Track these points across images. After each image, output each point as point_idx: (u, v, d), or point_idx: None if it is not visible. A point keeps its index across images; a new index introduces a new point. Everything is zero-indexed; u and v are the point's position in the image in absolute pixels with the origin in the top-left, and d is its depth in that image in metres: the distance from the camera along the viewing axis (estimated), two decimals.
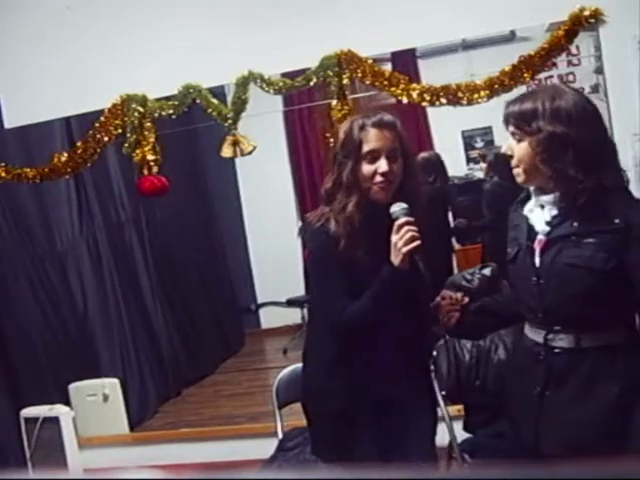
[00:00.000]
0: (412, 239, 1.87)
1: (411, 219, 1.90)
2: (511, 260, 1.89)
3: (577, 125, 1.74)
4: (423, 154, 4.46)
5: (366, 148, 1.96)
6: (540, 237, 1.82)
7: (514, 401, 1.96)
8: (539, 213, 1.83)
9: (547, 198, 1.80)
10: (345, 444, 2.09)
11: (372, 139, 1.96)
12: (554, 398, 1.81)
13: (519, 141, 1.78)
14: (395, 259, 1.90)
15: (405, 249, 1.87)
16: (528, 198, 1.88)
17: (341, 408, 2.08)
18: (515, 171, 1.82)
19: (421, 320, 2.11)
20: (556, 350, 1.79)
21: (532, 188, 1.85)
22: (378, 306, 1.95)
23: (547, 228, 1.80)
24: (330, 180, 2.03)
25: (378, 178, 1.96)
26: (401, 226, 1.89)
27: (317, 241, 2.04)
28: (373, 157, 1.96)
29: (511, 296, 2.01)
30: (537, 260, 1.80)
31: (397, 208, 1.92)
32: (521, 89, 3.03)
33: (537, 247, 1.82)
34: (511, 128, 1.79)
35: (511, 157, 1.81)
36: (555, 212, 1.79)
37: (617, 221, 1.71)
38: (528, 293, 1.83)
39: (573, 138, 1.72)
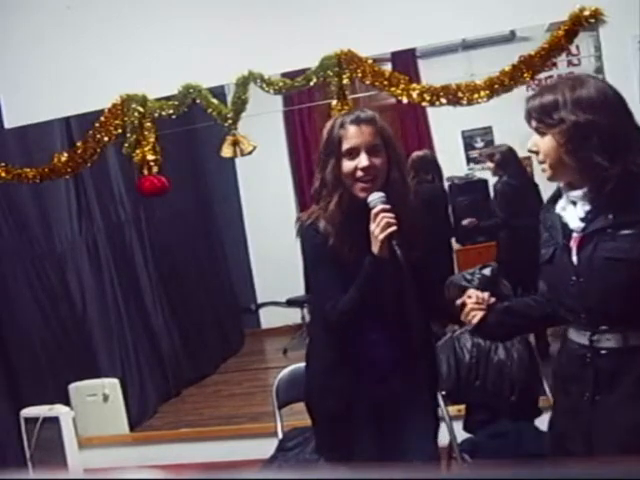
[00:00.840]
0: (388, 225, 1.89)
1: (387, 206, 1.92)
2: (548, 261, 1.82)
3: (600, 112, 1.71)
4: (417, 153, 4.46)
5: (345, 145, 1.99)
6: (575, 235, 1.76)
7: (561, 410, 1.87)
8: (572, 210, 1.77)
9: (577, 193, 1.75)
10: (347, 444, 2.10)
11: (351, 136, 1.99)
12: (606, 402, 1.73)
13: (543, 135, 1.74)
14: (374, 248, 1.92)
15: (381, 236, 1.89)
16: (559, 196, 1.84)
17: (341, 408, 2.09)
18: (542, 167, 1.77)
19: (418, 317, 2.11)
20: (603, 351, 1.72)
21: (562, 185, 1.80)
22: (364, 297, 1.97)
23: (582, 224, 1.74)
24: (317, 179, 2.07)
25: (359, 173, 1.98)
26: (377, 214, 1.91)
27: (308, 239, 2.07)
28: (353, 154, 1.99)
29: (543, 298, 1.95)
30: (574, 258, 1.75)
31: (374, 197, 1.94)
32: (521, 89, 3.04)
33: (574, 245, 1.76)
34: (534, 123, 1.75)
35: (537, 153, 1.76)
36: (588, 207, 1.74)
37: None
38: (568, 293, 1.77)
39: (597, 125, 1.69)
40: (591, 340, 1.74)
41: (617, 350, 1.71)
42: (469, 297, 1.95)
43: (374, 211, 1.91)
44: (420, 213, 2.10)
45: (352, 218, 1.98)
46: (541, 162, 1.77)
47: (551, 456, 1.92)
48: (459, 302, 1.94)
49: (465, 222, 4.56)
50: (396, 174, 2.03)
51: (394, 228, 1.88)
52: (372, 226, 1.91)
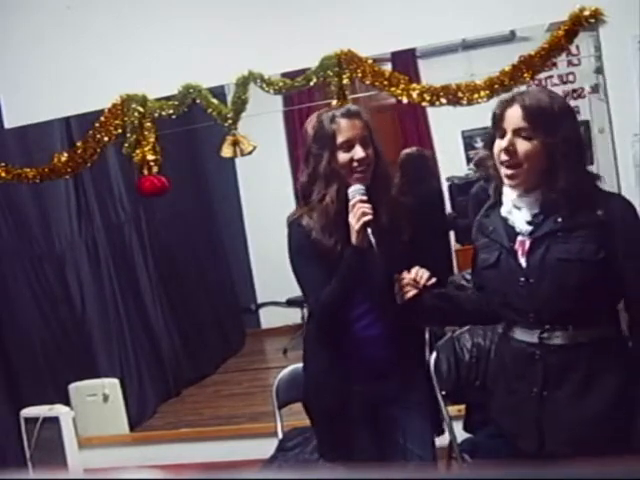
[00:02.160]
0: (362, 215, 1.93)
1: (364, 197, 1.97)
2: (492, 265, 1.88)
3: (575, 124, 1.81)
4: (405, 150, 4.44)
5: (341, 138, 2.04)
6: (521, 238, 1.83)
7: (508, 407, 1.93)
8: (518, 214, 1.84)
9: (527, 199, 1.81)
10: (345, 443, 2.10)
11: (345, 129, 2.04)
12: (554, 397, 1.80)
13: (527, 139, 1.76)
14: (353, 238, 1.97)
15: (357, 225, 1.94)
16: (497, 203, 1.90)
17: (337, 407, 2.09)
18: (510, 172, 1.79)
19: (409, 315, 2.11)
20: (552, 348, 1.79)
21: (506, 190, 1.85)
22: (345, 288, 2.01)
23: (529, 227, 1.81)
24: (305, 175, 2.12)
25: (355, 164, 2.03)
26: (354, 205, 1.96)
27: (292, 236, 2.11)
28: (348, 146, 2.04)
29: (479, 299, 2.00)
30: (522, 261, 1.81)
31: (353, 189, 2.00)
32: (521, 89, 3.04)
33: (519, 248, 1.82)
34: (522, 123, 1.76)
35: (508, 153, 1.78)
36: (536, 210, 1.81)
37: (600, 213, 1.75)
38: (516, 295, 1.83)
39: (579, 139, 1.80)
40: (540, 338, 1.80)
41: (566, 346, 1.78)
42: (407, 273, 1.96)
43: (351, 202, 1.97)
44: (405, 200, 2.14)
45: (344, 211, 2.02)
46: (512, 165, 1.78)
47: (501, 455, 1.97)
48: (395, 276, 1.96)
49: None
50: (380, 164, 2.09)
51: (369, 217, 1.93)
52: (350, 217, 1.97)
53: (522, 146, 1.77)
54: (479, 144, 4.73)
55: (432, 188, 4.43)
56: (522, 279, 1.81)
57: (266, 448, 2.85)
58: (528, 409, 1.84)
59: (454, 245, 4.65)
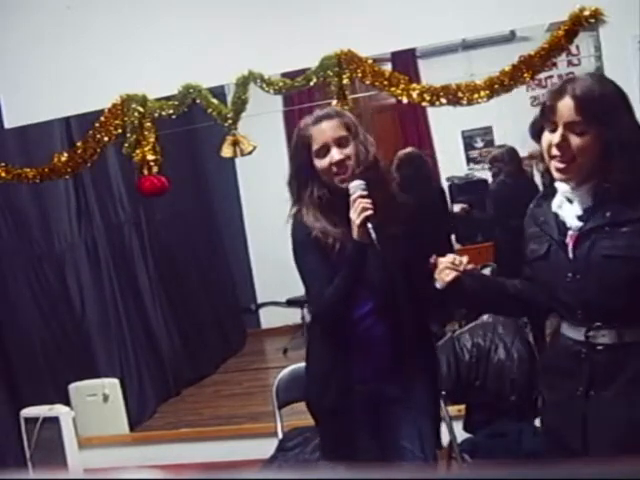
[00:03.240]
0: (363, 210, 1.94)
1: (364, 192, 1.97)
2: (542, 257, 1.81)
3: (629, 112, 1.74)
4: (402, 151, 4.44)
5: (315, 146, 2.06)
6: (571, 232, 1.76)
7: (554, 405, 1.87)
8: (569, 208, 1.77)
9: (579, 192, 1.74)
10: (347, 443, 2.10)
11: (317, 135, 2.06)
12: (600, 397, 1.74)
13: (581, 134, 1.68)
14: (353, 233, 1.97)
15: (358, 220, 1.94)
16: (550, 193, 1.83)
17: (340, 406, 2.09)
18: (562, 165, 1.71)
19: (416, 314, 2.11)
20: (599, 347, 1.73)
21: (558, 183, 1.78)
22: (349, 284, 2.02)
23: (580, 223, 1.74)
24: (289, 174, 2.15)
25: (334, 168, 2.04)
26: (354, 200, 1.97)
27: (294, 232, 2.12)
28: (324, 151, 2.05)
29: (522, 286, 1.95)
30: (571, 255, 1.75)
31: (354, 184, 2.00)
32: (521, 89, 3.04)
33: (570, 242, 1.76)
34: (575, 117, 1.68)
35: (560, 149, 1.70)
36: (588, 204, 1.74)
37: None
38: (564, 290, 1.77)
39: (634, 127, 1.72)
40: (587, 336, 1.74)
41: (612, 346, 1.72)
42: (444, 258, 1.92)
43: (352, 198, 1.98)
44: (402, 198, 2.14)
45: (334, 209, 2.04)
46: (567, 161, 1.71)
47: (547, 453, 1.93)
48: (432, 260, 1.91)
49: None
50: (369, 161, 2.08)
51: (369, 212, 1.94)
52: (351, 213, 1.97)
53: (575, 141, 1.69)
54: (479, 144, 4.73)
55: (431, 188, 4.43)
56: (569, 274, 1.74)
57: (266, 448, 2.85)
58: (574, 408, 1.78)
59: (455, 245, 4.65)
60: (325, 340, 2.13)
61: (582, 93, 1.68)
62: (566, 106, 1.68)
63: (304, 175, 2.08)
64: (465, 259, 1.91)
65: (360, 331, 2.08)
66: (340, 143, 2.05)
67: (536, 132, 1.78)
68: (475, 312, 2.66)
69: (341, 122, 2.08)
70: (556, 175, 1.74)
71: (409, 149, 4.49)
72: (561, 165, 1.71)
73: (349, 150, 2.05)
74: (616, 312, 1.72)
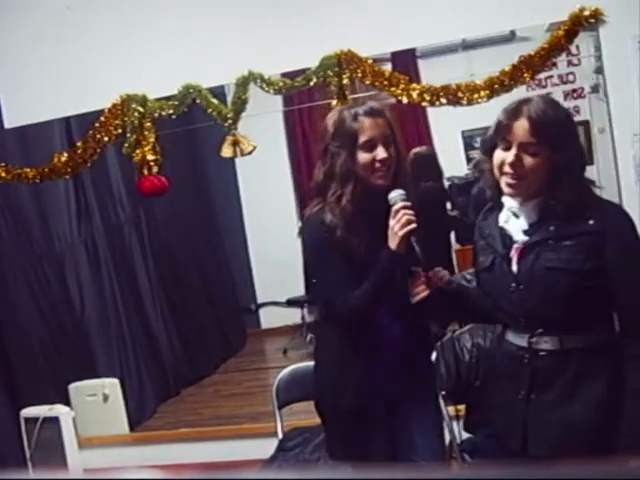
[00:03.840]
0: (408, 222, 1.91)
1: (408, 204, 1.94)
2: (487, 268, 1.90)
3: (577, 136, 1.86)
4: (416, 149, 4.44)
5: (363, 138, 1.99)
6: (517, 245, 1.84)
7: (498, 407, 1.97)
8: (515, 222, 1.85)
9: (526, 207, 1.82)
10: (360, 443, 2.09)
11: (368, 128, 1.99)
12: (540, 401, 1.83)
13: (534, 155, 1.75)
14: (392, 243, 1.93)
15: (402, 232, 1.91)
16: (494, 208, 1.91)
17: (353, 407, 2.07)
18: (513, 181, 1.78)
19: (424, 314, 2.11)
20: (541, 353, 1.81)
21: (505, 198, 1.85)
22: (378, 292, 1.97)
23: (525, 237, 1.82)
24: (321, 172, 2.05)
25: (377, 165, 1.99)
26: (398, 211, 1.93)
27: (313, 233, 2.05)
28: (370, 145, 1.99)
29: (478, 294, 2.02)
30: (515, 267, 1.83)
31: (395, 194, 1.95)
32: (521, 89, 3.04)
33: (514, 255, 1.84)
34: (530, 138, 1.74)
35: (513, 167, 1.77)
36: (534, 219, 1.82)
37: (591, 222, 1.76)
38: (507, 300, 1.85)
39: (581, 150, 1.84)
40: (530, 342, 1.83)
41: (554, 352, 1.80)
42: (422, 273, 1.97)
43: (395, 207, 1.93)
44: (434, 202, 2.14)
45: (364, 209, 1.99)
46: (518, 178, 1.77)
47: (494, 455, 1.99)
48: (413, 272, 1.96)
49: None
50: (404, 164, 2.07)
51: (414, 225, 1.91)
52: (392, 222, 1.93)
53: (528, 161, 1.76)
54: (479, 144, 4.74)
55: (436, 187, 4.43)
56: (513, 285, 1.83)
57: (266, 448, 2.85)
58: (515, 410, 1.87)
59: (454, 245, 4.66)
60: (338, 339, 2.10)
61: (537, 116, 1.75)
62: (522, 127, 1.76)
63: (343, 170, 1.99)
64: (444, 274, 1.97)
65: (374, 331, 2.06)
66: (385, 142, 2.00)
67: (488, 149, 1.85)
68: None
69: (388, 121, 2.03)
70: (506, 190, 1.81)
71: (422, 148, 4.50)
72: (512, 181, 1.79)
73: (392, 151, 2.01)
74: (557, 320, 1.80)
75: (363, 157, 1.99)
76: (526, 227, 1.83)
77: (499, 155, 1.80)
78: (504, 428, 1.93)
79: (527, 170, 1.76)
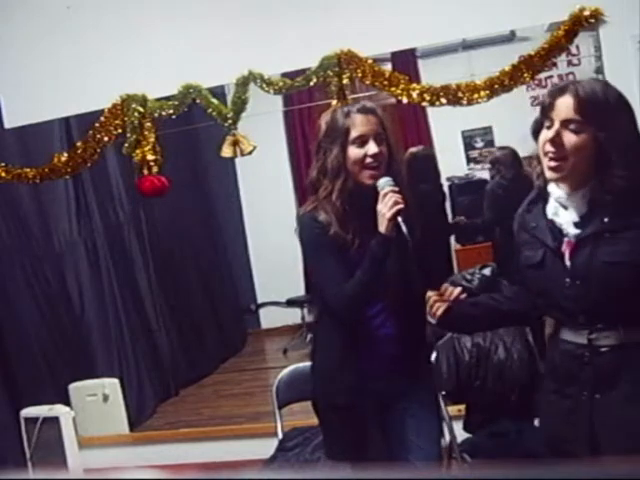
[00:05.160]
0: (395, 203, 1.93)
1: (395, 188, 1.97)
2: (537, 264, 1.80)
3: (632, 120, 1.74)
4: (413, 149, 4.44)
5: (354, 133, 2.03)
6: (567, 239, 1.75)
7: (557, 413, 1.84)
8: (564, 214, 1.76)
9: (574, 198, 1.73)
10: (354, 442, 2.09)
11: (359, 124, 2.03)
12: (606, 400, 1.73)
13: (577, 132, 1.67)
14: (381, 227, 1.96)
15: (389, 213, 1.93)
16: (539, 199, 1.82)
17: (349, 405, 2.08)
18: (554, 163, 1.70)
19: (421, 314, 2.11)
20: (602, 349, 1.72)
21: (552, 187, 1.77)
22: (371, 279, 1.99)
23: (577, 230, 1.73)
24: (314, 169, 2.09)
25: (368, 160, 2.02)
26: (385, 195, 1.96)
27: (307, 229, 2.09)
28: (361, 141, 2.03)
29: (515, 296, 1.97)
30: (568, 262, 1.74)
31: (383, 180, 1.99)
32: (521, 89, 3.04)
33: (566, 249, 1.75)
34: (572, 115, 1.67)
35: (554, 144, 1.69)
36: (584, 210, 1.73)
37: None
38: (563, 296, 1.76)
39: (634, 134, 1.72)
40: (589, 339, 1.74)
41: (616, 347, 1.72)
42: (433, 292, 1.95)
43: (382, 192, 1.96)
44: (416, 201, 2.13)
45: (355, 205, 2.02)
46: (557, 158, 1.69)
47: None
48: (427, 295, 1.94)
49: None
50: (396, 163, 2.09)
51: (401, 206, 1.93)
52: (379, 206, 1.96)
53: (570, 138, 1.68)
54: (479, 144, 4.74)
55: (436, 188, 4.43)
56: (567, 280, 1.74)
57: (266, 448, 2.85)
58: (580, 413, 1.77)
59: (454, 245, 4.66)
60: (335, 338, 2.12)
61: (584, 93, 1.68)
62: (565, 103, 1.68)
63: (333, 165, 2.03)
64: (456, 291, 1.93)
65: (370, 330, 2.07)
66: (377, 138, 2.03)
67: (536, 130, 1.77)
68: (470, 333, 2.68)
69: (380, 119, 2.07)
70: (548, 174, 1.73)
71: (419, 147, 4.50)
72: (553, 163, 1.70)
73: (383, 148, 2.04)
74: (618, 314, 1.72)
75: (354, 152, 2.03)
76: (577, 219, 1.74)
77: (543, 135, 1.72)
78: (568, 433, 1.80)
79: (568, 149, 1.67)
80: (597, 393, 1.74)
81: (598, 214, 1.71)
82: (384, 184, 1.98)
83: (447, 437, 2.58)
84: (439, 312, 1.91)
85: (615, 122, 1.69)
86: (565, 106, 1.68)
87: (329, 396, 2.13)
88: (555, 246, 1.76)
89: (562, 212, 1.76)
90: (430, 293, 1.93)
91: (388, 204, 1.94)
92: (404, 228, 1.92)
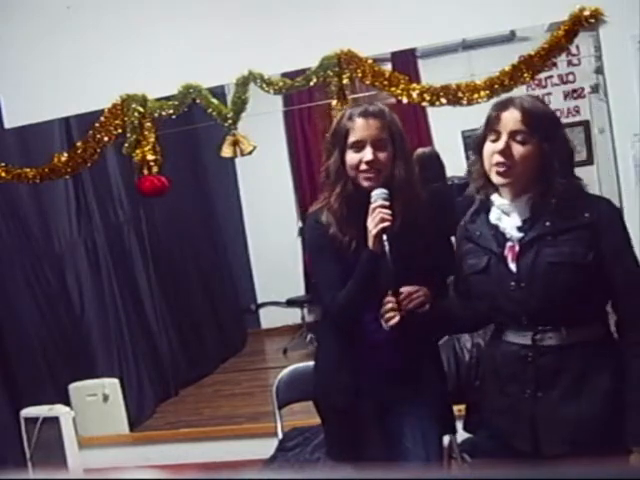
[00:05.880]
0: (381, 220, 1.90)
1: (386, 203, 1.92)
2: (481, 270, 1.88)
3: (565, 133, 1.88)
4: (420, 150, 4.43)
5: (352, 138, 1.99)
6: (510, 243, 1.84)
7: (502, 408, 1.93)
8: (508, 220, 1.85)
9: (517, 204, 1.83)
10: (353, 443, 2.09)
11: (358, 129, 1.99)
12: (548, 398, 1.82)
13: (523, 143, 1.78)
14: (369, 242, 1.93)
15: (374, 230, 1.90)
16: (481, 209, 1.92)
17: (347, 406, 2.08)
18: (503, 169, 1.80)
19: (418, 320, 2.10)
20: (545, 349, 1.81)
21: (494, 197, 1.86)
22: (361, 291, 1.98)
23: (520, 234, 1.83)
24: (323, 170, 2.09)
25: (363, 167, 1.99)
26: (374, 209, 1.92)
27: (310, 230, 2.09)
28: (359, 146, 1.99)
29: (462, 304, 2.01)
30: (512, 266, 1.83)
31: (377, 192, 1.95)
32: (521, 89, 3.04)
33: (509, 253, 1.84)
34: (520, 126, 1.78)
35: (504, 155, 1.79)
36: (527, 215, 1.83)
37: (587, 215, 1.78)
38: (507, 299, 1.84)
39: (569, 146, 1.86)
40: (534, 339, 1.82)
41: (559, 347, 1.81)
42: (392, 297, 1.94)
43: (372, 206, 1.93)
44: (426, 210, 2.09)
45: (355, 209, 1.99)
46: (507, 167, 1.79)
47: (498, 457, 1.96)
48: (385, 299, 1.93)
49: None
50: (401, 170, 2.01)
51: (387, 224, 1.89)
52: (368, 220, 1.93)
53: (518, 149, 1.78)
54: (470, 146, 4.73)
55: (442, 187, 4.42)
56: (513, 284, 1.82)
57: (266, 448, 2.85)
58: (522, 410, 1.85)
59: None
60: (333, 339, 2.12)
61: (528, 106, 1.80)
62: (511, 115, 1.80)
63: (334, 168, 2.02)
64: (415, 301, 1.92)
65: (366, 335, 2.06)
66: (377, 145, 1.98)
67: (478, 146, 1.88)
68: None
69: (386, 124, 2.01)
70: (497, 180, 1.82)
71: (426, 148, 4.49)
72: (503, 169, 1.80)
73: (384, 155, 1.99)
74: (562, 315, 1.80)
75: (351, 157, 2.00)
76: (519, 224, 1.83)
77: (488, 147, 1.83)
78: (510, 429, 1.90)
79: (517, 158, 1.78)
80: (539, 391, 1.82)
81: (540, 218, 1.81)
82: (376, 197, 1.94)
83: (447, 437, 2.58)
84: (392, 322, 1.91)
85: (555, 133, 1.82)
86: (512, 118, 1.80)
87: (329, 396, 2.13)
88: (499, 251, 1.85)
89: (505, 218, 1.86)
90: (388, 299, 1.91)
91: (375, 220, 1.90)
92: (387, 247, 1.88)
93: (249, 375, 5.14)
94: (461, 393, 2.82)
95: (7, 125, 3.63)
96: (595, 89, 3.49)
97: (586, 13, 2.92)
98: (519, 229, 1.83)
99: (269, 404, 2.88)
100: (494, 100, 3.02)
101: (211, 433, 3.72)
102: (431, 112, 4.53)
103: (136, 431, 4.07)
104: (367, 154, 1.97)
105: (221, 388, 4.96)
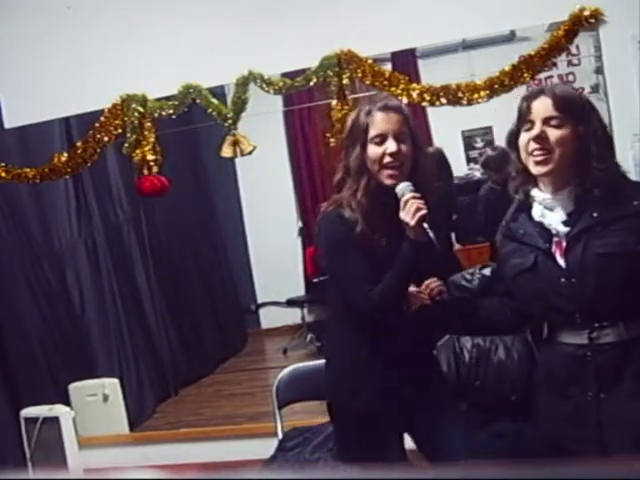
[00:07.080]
0: (417, 210, 1.89)
1: (417, 194, 1.91)
2: (528, 269, 1.81)
3: (601, 118, 1.84)
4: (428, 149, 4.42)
5: (373, 132, 1.99)
6: (557, 238, 1.78)
7: (563, 414, 1.83)
8: (551, 215, 1.79)
9: (559, 197, 1.78)
10: (371, 447, 2.03)
11: (378, 122, 1.99)
12: (612, 398, 1.73)
13: (558, 127, 1.75)
14: (409, 234, 1.91)
15: (413, 221, 1.89)
16: (523, 208, 1.86)
17: (369, 409, 2.03)
18: (541, 157, 1.76)
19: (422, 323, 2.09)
20: (604, 347, 1.73)
21: (535, 192, 1.81)
22: (402, 285, 1.97)
23: (567, 228, 1.76)
24: (340, 169, 2.06)
25: (387, 159, 1.97)
26: (407, 201, 1.91)
27: (331, 227, 2.03)
28: (381, 140, 1.98)
29: (497, 307, 1.98)
30: (561, 261, 1.76)
31: (402, 186, 1.94)
32: (521, 89, 3.04)
33: (557, 249, 1.78)
34: (553, 112, 1.76)
35: (539, 141, 1.76)
36: (571, 208, 1.77)
37: (636, 203, 1.72)
38: (558, 297, 1.77)
39: (607, 131, 1.82)
40: (590, 338, 1.74)
41: (618, 343, 1.73)
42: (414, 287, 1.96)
43: (403, 199, 1.91)
44: (443, 202, 2.10)
45: (379, 205, 1.98)
46: (546, 153, 1.75)
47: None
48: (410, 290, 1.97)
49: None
50: (422, 162, 2.03)
51: (425, 212, 1.88)
52: (402, 214, 1.91)
53: (553, 133, 1.75)
54: (479, 144, 4.73)
55: (447, 186, 4.41)
56: (563, 280, 1.75)
57: (266, 448, 2.85)
58: (586, 414, 1.76)
59: (455, 245, 4.65)
60: (357, 340, 2.05)
61: (559, 92, 1.78)
62: (543, 103, 1.77)
63: (355, 164, 2.00)
64: (436, 289, 1.95)
65: (393, 332, 2.02)
66: (398, 138, 1.98)
67: (512, 139, 1.85)
68: (450, 333, 2.68)
69: (404, 118, 2.01)
70: (536, 169, 1.78)
71: (434, 147, 4.49)
72: (540, 157, 1.76)
73: (405, 147, 1.99)
74: (617, 309, 1.73)
75: (373, 151, 1.98)
76: (565, 218, 1.78)
77: (523, 137, 1.79)
78: (576, 434, 1.79)
79: (553, 143, 1.75)
80: (602, 392, 1.74)
81: (586, 210, 1.76)
82: (404, 189, 1.93)
83: None
84: (412, 308, 1.95)
85: (589, 117, 1.78)
86: (544, 106, 1.77)
87: (348, 399, 2.07)
88: (546, 247, 1.79)
89: (548, 213, 1.81)
90: (412, 289, 1.94)
91: (411, 211, 1.89)
92: (431, 234, 1.87)
93: (249, 375, 5.14)
94: (461, 393, 2.82)
95: (7, 125, 3.63)
96: (595, 89, 3.48)
97: (586, 13, 2.92)
98: (565, 223, 1.77)
99: (269, 404, 2.88)
100: (494, 100, 3.06)
101: (211, 433, 3.72)
102: (431, 112, 4.52)
103: (136, 431, 4.07)
104: (391, 145, 1.97)
105: (221, 388, 4.96)
